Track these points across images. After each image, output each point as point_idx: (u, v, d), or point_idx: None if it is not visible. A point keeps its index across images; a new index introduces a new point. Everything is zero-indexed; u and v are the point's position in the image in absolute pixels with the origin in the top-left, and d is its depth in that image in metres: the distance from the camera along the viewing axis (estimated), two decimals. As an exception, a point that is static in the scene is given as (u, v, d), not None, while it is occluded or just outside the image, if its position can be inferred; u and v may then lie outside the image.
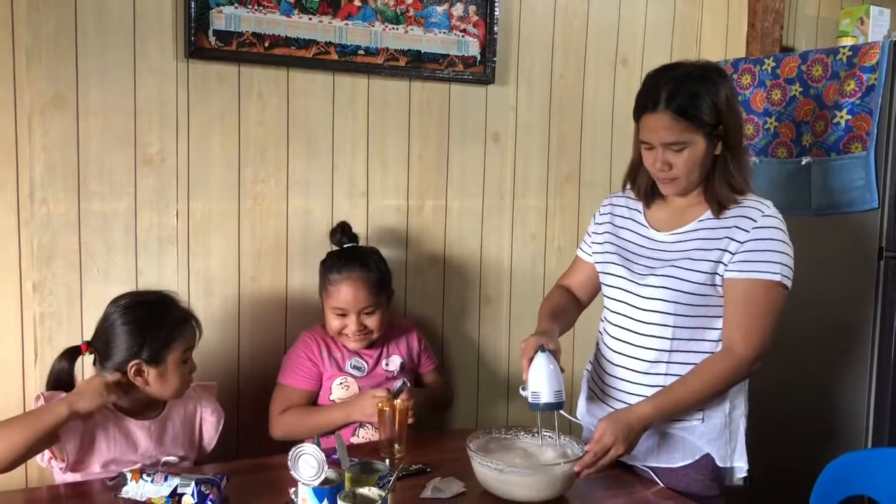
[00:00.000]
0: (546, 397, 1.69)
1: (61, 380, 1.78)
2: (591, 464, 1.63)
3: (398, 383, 2.13)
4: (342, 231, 2.19)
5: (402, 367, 2.17)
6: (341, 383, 2.09)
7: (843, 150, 2.25)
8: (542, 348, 1.71)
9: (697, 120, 1.67)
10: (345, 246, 2.16)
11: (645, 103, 1.72)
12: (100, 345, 1.77)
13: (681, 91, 1.67)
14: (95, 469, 1.73)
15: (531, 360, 1.71)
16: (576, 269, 2.05)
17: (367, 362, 2.13)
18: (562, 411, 1.72)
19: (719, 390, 1.73)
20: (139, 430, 1.78)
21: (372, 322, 2.08)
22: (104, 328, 1.78)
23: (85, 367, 1.87)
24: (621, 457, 1.66)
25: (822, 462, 1.87)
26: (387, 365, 2.15)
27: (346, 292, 2.05)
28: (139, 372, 1.74)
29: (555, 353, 1.72)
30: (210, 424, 1.90)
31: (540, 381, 1.69)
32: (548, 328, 1.83)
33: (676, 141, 1.69)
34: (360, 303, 2.05)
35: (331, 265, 2.10)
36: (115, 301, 1.80)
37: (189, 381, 1.83)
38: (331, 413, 2.06)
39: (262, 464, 1.83)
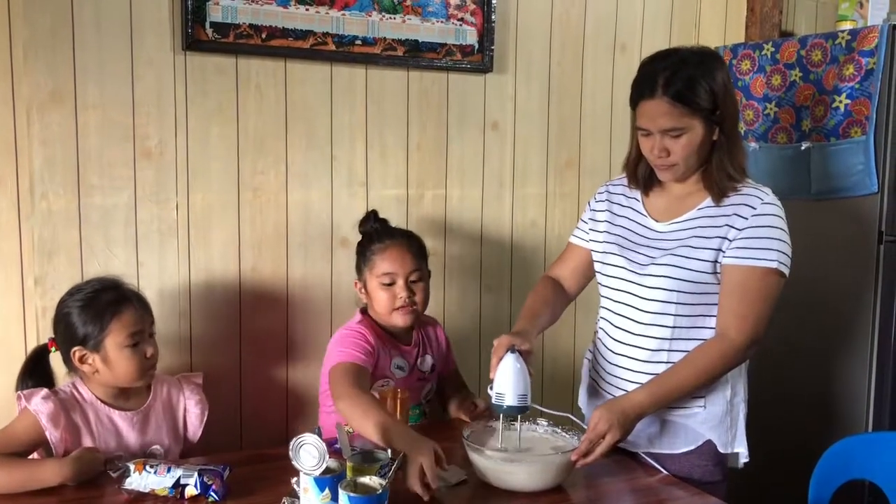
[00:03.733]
0: (509, 400, 1.65)
1: (39, 379, 1.80)
2: (587, 452, 1.64)
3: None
4: (374, 218, 2.18)
5: (433, 368, 2.14)
6: (383, 385, 2.02)
7: (843, 135, 2.24)
8: (513, 348, 1.68)
9: (695, 105, 1.67)
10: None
11: (642, 90, 1.71)
12: (56, 337, 1.79)
13: (678, 77, 1.67)
14: None
15: (501, 358, 1.68)
16: (568, 257, 2.03)
17: (408, 361, 2.08)
18: (543, 407, 1.68)
19: (714, 376, 1.73)
20: (122, 422, 1.79)
21: (419, 291, 2.04)
22: (54, 320, 1.80)
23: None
24: (618, 443, 1.67)
25: (822, 446, 1.87)
26: (420, 364, 2.12)
27: (392, 256, 2.02)
28: (82, 360, 1.74)
29: (527, 355, 1.69)
30: (194, 416, 1.89)
31: (505, 383, 1.66)
32: (524, 328, 1.81)
33: (674, 127, 1.69)
34: (407, 265, 2.02)
35: (371, 239, 2.08)
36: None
37: (145, 366, 1.78)
38: None
39: (264, 454, 1.84)
